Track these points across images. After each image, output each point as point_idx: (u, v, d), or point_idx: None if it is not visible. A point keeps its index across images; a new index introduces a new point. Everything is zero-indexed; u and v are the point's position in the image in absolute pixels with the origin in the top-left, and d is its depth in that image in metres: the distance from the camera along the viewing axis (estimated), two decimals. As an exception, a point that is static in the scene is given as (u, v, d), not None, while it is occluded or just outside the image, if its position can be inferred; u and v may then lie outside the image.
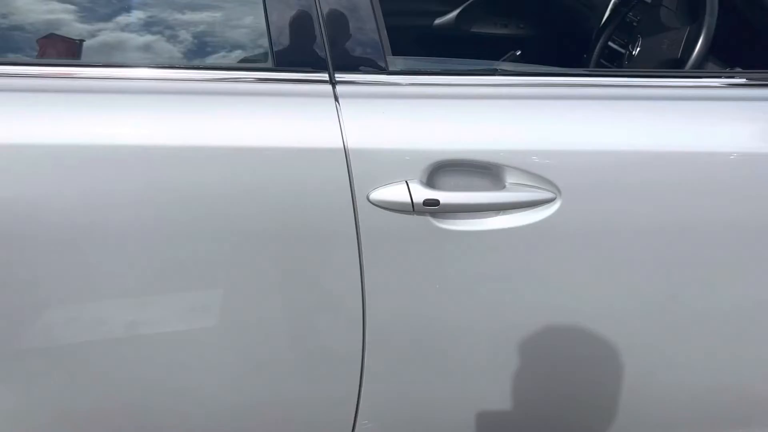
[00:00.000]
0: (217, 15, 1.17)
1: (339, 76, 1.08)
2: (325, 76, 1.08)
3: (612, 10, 1.77)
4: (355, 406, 1.20)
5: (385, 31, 1.12)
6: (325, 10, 1.09)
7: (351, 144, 1.03)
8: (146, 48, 1.12)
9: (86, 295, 1.06)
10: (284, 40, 1.09)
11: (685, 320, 1.19)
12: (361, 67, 1.10)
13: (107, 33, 1.12)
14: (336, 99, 1.06)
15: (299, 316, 1.13)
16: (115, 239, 1.03)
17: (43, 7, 1.11)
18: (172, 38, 1.13)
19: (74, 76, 1.06)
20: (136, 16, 1.14)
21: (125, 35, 1.13)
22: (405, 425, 1.28)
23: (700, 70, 1.32)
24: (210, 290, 1.10)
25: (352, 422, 1.23)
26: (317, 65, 1.08)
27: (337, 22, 1.10)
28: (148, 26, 1.13)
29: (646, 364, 1.23)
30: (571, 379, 1.25)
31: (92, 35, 1.12)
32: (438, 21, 2.31)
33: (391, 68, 1.11)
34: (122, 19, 1.13)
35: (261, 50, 1.14)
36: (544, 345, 1.18)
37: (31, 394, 1.12)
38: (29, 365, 1.10)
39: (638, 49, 1.58)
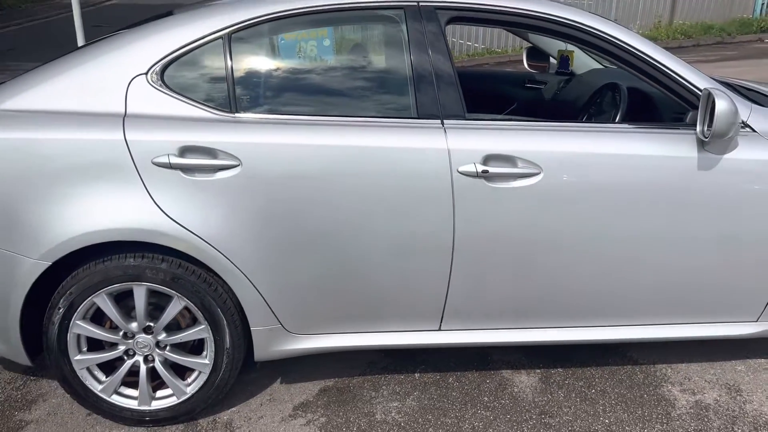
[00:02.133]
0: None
1: (445, 122, 2.32)
2: (438, 122, 2.30)
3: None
4: (444, 298, 2.42)
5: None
6: (439, 86, 2.33)
7: (450, 146, 2.24)
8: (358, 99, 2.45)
9: None
10: (422, 99, 2.33)
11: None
12: (451, 116, 2.31)
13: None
14: (444, 131, 2.29)
15: None
16: None
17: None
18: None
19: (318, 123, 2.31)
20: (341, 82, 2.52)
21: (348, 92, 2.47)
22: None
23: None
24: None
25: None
26: (435, 115, 2.31)
27: (447, 91, 2.33)
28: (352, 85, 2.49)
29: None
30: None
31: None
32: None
33: (467, 116, 2.35)
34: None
35: (407, 104, 2.37)
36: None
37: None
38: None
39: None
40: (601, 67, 3.52)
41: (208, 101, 2.28)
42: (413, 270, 2.34)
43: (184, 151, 2.20)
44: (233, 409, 2.57)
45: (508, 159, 2.27)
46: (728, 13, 13.40)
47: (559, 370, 2.78)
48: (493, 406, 2.55)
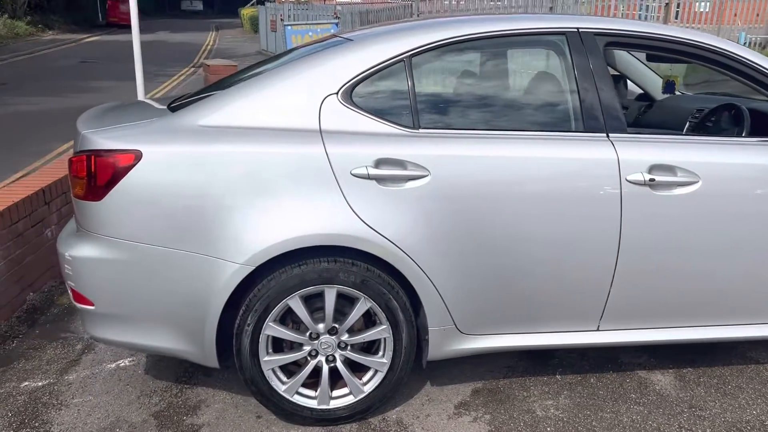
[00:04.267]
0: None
1: (610, 135, 2.57)
2: (604, 135, 2.56)
3: None
4: (605, 299, 2.62)
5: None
6: (602, 102, 2.58)
7: (620, 157, 2.51)
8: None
9: None
10: (587, 115, 2.57)
11: None
12: (614, 129, 2.57)
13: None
14: (612, 143, 2.54)
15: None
16: None
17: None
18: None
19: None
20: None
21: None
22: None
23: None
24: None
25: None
26: (600, 129, 2.57)
27: (609, 106, 2.59)
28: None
29: None
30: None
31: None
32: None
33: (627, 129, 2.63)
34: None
35: (574, 120, 2.62)
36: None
37: None
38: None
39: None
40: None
41: (393, 118, 2.49)
42: (581, 272, 2.54)
43: (379, 163, 2.39)
44: (398, 408, 2.72)
45: (669, 168, 2.51)
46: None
47: (690, 369, 2.98)
48: (643, 402, 2.74)
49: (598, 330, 2.67)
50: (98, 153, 2.38)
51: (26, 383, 2.95)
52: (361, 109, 2.48)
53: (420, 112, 2.52)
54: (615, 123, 2.55)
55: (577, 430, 2.57)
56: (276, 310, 2.44)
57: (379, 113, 2.49)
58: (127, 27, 7.22)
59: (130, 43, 6.47)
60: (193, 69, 16.58)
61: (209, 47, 22.98)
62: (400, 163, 2.41)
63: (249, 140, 2.39)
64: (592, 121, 2.55)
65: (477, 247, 2.48)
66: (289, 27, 14.57)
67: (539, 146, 2.49)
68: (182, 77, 14.81)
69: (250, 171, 2.37)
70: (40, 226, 3.94)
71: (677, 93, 3.96)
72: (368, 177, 2.39)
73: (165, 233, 2.38)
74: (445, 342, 2.58)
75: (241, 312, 2.44)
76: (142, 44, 6.53)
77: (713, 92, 4.15)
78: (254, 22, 26.09)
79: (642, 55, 3.86)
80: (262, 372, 2.51)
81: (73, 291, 2.55)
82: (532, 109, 2.68)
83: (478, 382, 2.90)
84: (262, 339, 2.47)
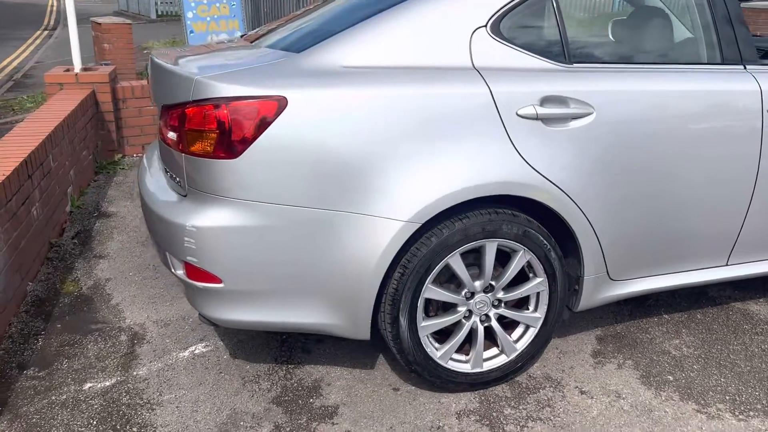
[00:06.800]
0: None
1: (747, 67, 2.52)
2: (741, 68, 2.52)
3: None
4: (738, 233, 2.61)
5: None
6: (738, 35, 2.53)
7: (763, 88, 2.50)
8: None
9: None
10: (726, 47, 2.53)
11: None
12: (750, 61, 2.55)
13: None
14: (752, 75, 2.50)
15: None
16: None
17: None
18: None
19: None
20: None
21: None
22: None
23: None
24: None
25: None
26: (737, 61, 2.54)
27: (744, 40, 2.53)
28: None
29: None
30: None
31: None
32: None
33: (759, 61, 2.58)
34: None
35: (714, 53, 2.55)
36: None
37: None
38: None
39: None
40: None
41: (544, 52, 2.29)
42: (723, 207, 2.52)
43: (544, 101, 2.20)
44: (537, 365, 2.58)
45: None
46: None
47: (775, 298, 3.10)
48: (759, 331, 2.80)
49: (726, 265, 2.68)
50: (234, 101, 1.98)
51: (89, 385, 2.48)
52: (511, 43, 2.25)
53: (570, 45, 2.33)
54: (749, 55, 2.53)
55: (720, 363, 2.58)
56: (436, 270, 2.19)
57: (530, 47, 2.27)
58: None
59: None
60: (47, 32, 14.93)
61: (55, 8, 20.81)
62: (563, 101, 2.22)
63: (406, 81, 2.09)
64: (730, 53, 2.50)
65: (635, 188, 2.36)
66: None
67: (691, 80, 2.41)
68: (38, 40, 13.28)
69: (412, 117, 2.07)
70: (27, 204, 3.32)
71: None
72: (536, 117, 2.18)
73: (314, 193, 2.04)
74: (596, 290, 2.47)
75: (397, 275, 2.17)
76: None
77: None
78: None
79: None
80: (418, 339, 2.26)
81: (192, 268, 2.14)
82: (677, 43, 2.59)
83: (596, 330, 2.82)
84: (420, 303, 2.22)
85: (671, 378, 2.50)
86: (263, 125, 1.98)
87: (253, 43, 2.64)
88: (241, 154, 1.99)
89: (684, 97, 2.37)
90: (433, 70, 2.15)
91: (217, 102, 1.99)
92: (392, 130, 2.05)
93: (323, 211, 2.06)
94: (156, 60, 2.48)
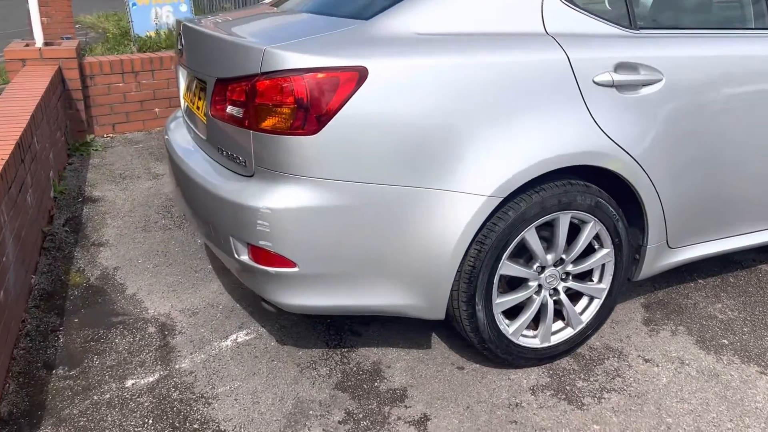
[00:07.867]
0: None
1: None
2: None
3: None
4: None
5: None
6: None
7: None
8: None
9: None
10: None
11: None
12: None
13: None
14: None
15: None
16: None
17: None
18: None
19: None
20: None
21: None
22: None
23: None
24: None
25: None
26: None
27: None
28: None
29: None
30: None
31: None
32: None
33: None
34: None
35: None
36: None
37: None
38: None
39: None
40: None
41: (611, 18, 2.23)
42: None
43: (618, 67, 2.14)
44: (594, 336, 2.56)
45: None
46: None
47: (796, 259, 3.19)
48: (794, 292, 2.88)
49: (769, 229, 2.72)
50: (312, 72, 1.83)
51: (131, 382, 2.31)
52: (580, 8, 2.18)
53: (636, 11, 2.28)
54: None
55: (766, 325, 2.64)
56: (513, 245, 2.13)
57: (597, 13, 2.21)
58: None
59: None
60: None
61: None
62: (634, 67, 2.17)
63: (487, 49, 1.98)
64: None
65: (698, 154, 2.35)
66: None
67: (756, 44, 2.40)
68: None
69: (493, 85, 1.97)
70: (23, 191, 3.06)
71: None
72: (612, 84, 2.13)
73: (394, 169, 1.93)
74: (656, 258, 2.45)
75: (474, 251, 2.09)
76: None
77: None
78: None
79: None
80: (493, 317, 2.20)
81: (262, 252, 1.99)
82: (745, 7, 2.57)
83: (639, 298, 2.83)
84: (495, 279, 2.15)
85: (726, 342, 2.53)
86: (344, 98, 1.84)
87: (279, 8, 2.47)
88: (320, 130, 1.85)
89: (748, 61, 2.36)
90: (507, 37, 2.05)
91: (293, 74, 1.84)
92: (472, 100, 1.95)
93: (404, 188, 1.95)
94: (196, 28, 2.29)
